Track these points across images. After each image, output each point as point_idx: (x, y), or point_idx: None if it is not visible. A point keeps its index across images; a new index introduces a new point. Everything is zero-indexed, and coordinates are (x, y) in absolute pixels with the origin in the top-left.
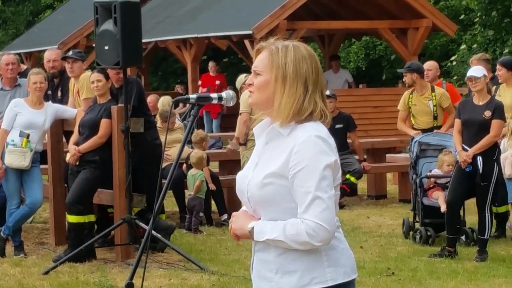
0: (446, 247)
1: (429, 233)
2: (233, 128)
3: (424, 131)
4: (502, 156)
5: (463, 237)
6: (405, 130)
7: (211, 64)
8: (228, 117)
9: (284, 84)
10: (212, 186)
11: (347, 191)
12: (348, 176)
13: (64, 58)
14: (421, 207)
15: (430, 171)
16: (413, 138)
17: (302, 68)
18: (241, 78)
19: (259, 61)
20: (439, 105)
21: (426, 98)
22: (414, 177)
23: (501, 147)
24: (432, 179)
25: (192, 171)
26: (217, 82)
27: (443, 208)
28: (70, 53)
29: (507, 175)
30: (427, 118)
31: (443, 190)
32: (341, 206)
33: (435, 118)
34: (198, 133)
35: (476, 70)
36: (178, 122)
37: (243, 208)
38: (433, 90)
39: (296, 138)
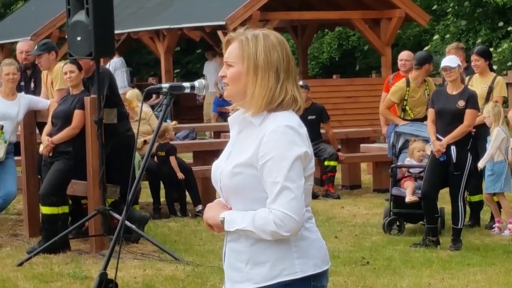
0: (428, 237)
1: (397, 224)
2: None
3: (420, 120)
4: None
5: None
6: (392, 118)
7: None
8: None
9: (256, 75)
10: (180, 175)
11: (333, 176)
12: (327, 162)
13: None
14: (392, 197)
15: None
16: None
17: (273, 56)
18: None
19: (230, 53)
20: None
21: (423, 89)
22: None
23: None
24: (404, 169)
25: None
26: None
27: (407, 198)
28: (35, 47)
29: None
30: (422, 108)
31: (415, 180)
32: (315, 197)
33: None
34: (164, 125)
35: (451, 60)
36: (147, 109)
37: (219, 198)
38: (425, 80)
39: (266, 128)
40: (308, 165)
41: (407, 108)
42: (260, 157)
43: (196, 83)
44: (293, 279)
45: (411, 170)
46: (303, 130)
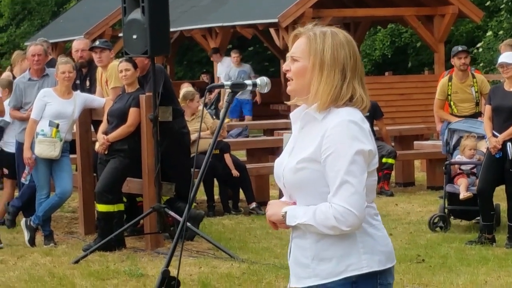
0: (484, 235)
1: (444, 222)
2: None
3: (467, 117)
4: None
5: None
6: (446, 117)
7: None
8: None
9: (322, 71)
10: (235, 173)
11: (390, 173)
12: (385, 159)
13: (92, 49)
14: (446, 194)
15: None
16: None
17: (340, 54)
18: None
19: (297, 47)
20: (480, 91)
21: (468, 85)
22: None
23: None
24: (456, 166)
25: None
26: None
27: (461, 195)
28: (97, 43)
29: None
30: (469, 104)
31: (468, 177)
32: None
33: (477, 104)
34: (215, 122)
35: (508, 57)
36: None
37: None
38: (473, 76)
39: (329, 122)
40: (372, 160)
41: (452, 103)
42: (323, 151)
43: (258, 80)
44: (359, 275)
45: (463, 166)
46: (366, 125)
